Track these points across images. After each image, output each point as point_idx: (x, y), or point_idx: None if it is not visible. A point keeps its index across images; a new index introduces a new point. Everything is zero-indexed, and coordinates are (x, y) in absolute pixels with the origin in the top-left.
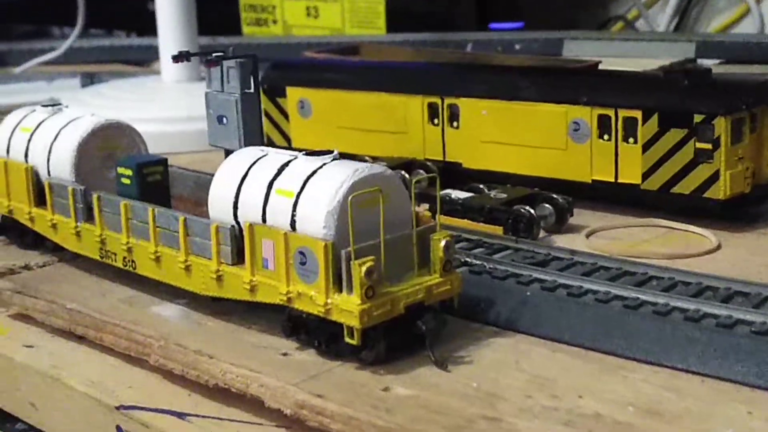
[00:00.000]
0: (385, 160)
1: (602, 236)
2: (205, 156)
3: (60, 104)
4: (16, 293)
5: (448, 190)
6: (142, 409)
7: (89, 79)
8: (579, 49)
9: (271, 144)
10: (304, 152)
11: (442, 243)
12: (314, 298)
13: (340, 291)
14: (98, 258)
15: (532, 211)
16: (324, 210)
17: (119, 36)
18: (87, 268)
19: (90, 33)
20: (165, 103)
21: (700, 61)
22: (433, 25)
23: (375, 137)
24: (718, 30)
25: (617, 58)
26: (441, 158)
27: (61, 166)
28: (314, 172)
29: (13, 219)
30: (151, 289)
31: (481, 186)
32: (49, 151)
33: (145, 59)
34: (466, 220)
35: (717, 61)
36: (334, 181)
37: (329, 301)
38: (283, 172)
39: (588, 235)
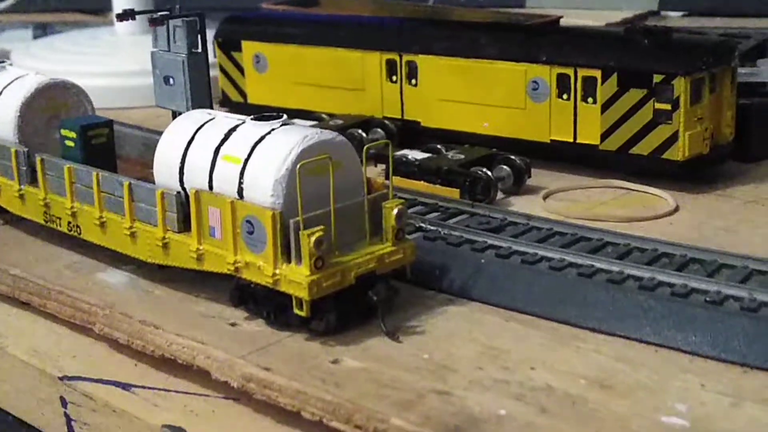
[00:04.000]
0: (342, 117)
1: (559, 198)
2: (160, 111)
3: (4, 61)
4: None
5: (404, 151)
6: (86, 379)
7: (42, 30)
8: (543, 0)
9: (226, 100)
10: (252, 117)
11: (395, 211)
12: (262, 268)
13: (289, 261)
14: (42, 222)
15: (490, 173)
16: (272, 178)
17: None
18: (32, 231)
19: None
20: (119, 57)
21: (663, 12)
22: None
23: (332, 94)
24: None
25: (580, 10)
26: (399, 116)
27: (3, 127)
28: (262, 138)
29: None
30: (97, 254)
31: (439, 146)
32: None
33: (101, 8)
34: (422, 182)
35: (680, 13)
36: (282, 148)
37: (277, 271)
38: (231, 138)
39: (545, 197)
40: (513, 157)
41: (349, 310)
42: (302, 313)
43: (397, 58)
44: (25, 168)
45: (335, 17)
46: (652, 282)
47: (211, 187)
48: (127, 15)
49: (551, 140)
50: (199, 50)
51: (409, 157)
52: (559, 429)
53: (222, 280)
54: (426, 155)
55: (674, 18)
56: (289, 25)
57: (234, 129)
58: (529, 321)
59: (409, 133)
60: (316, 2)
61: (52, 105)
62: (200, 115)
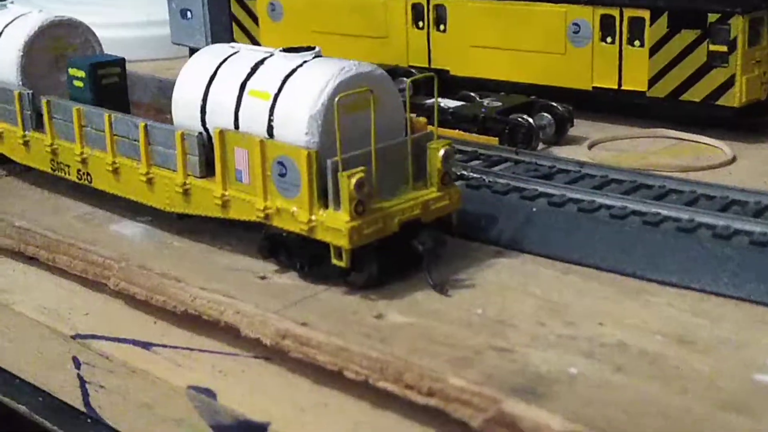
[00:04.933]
0: None
1: (606, 148)
2: (165, 64)
3: (5, 0)
4: None
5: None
6: (101, 338)
7: None
8: None
9: None
10: (281, 49)
11: (441, 152)
12: (296, 214)
13: (326, 206)
14: (50, 170)
15: (531, 120)
16: (306, 113)
17: None
18: (38, 182)
19: None
20: (122, 7)
21: None
22: None
23: (353, 42)
24: None
25: None
26: (426, 65)
27: (5, 68)
28: (293, 71)
29: None
30: (110, 205)
31: (472, 94)
32: None
33: None
34: (457, 131)
35: None
36: (318, 80)
37: (313, 218)
38: (258, 72)
39: (590, 146)
40: (554, 104)
41: (391, 261)
42: (341, 264)
43: (424, 3)
44: (29, 112)
45: None
46: (728, 230)
47: (236, 127)
48: None
49: (593, 87)
50: None
51: (443, 104)
52: (638, 388)
53: (247, 230)
54: (459, 103)
55: None
56: None
57: (261, 62)
58: (589, 273)
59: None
60: None
61: (57, 45)
62: (222, 48)
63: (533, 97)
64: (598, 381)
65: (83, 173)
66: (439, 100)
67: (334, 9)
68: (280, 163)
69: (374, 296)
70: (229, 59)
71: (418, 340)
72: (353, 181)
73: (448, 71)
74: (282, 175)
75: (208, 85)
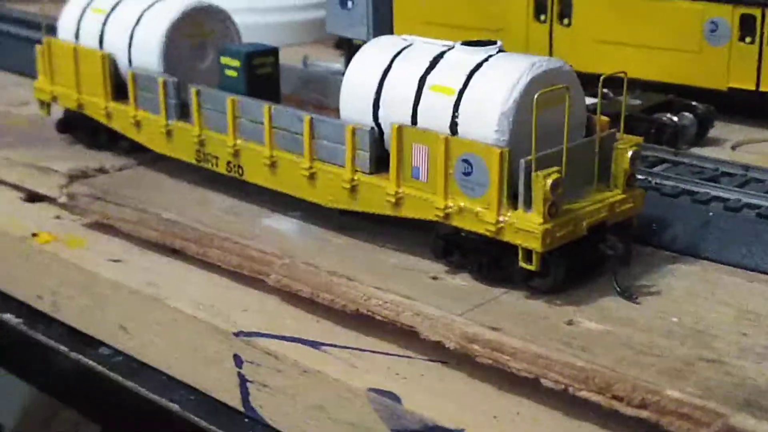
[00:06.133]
0: None
1: (749, 150)
2: (298, 50)
3: None
4: (96, 199)
5: None
6: (266, 335)
7: None
8: None
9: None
10: (461, 42)
11: (629, 153)
12: (481, 214)
13: (515, 207)
14: (194, 161)
15: (676, 119)
16: (497, 110)
17: None
18: (174, 173)
19: None
20: None
21: None
22: None
23: (467, 35)
24: None
25: None
26: None
27: (146, 54)
28: (479, 65)
29: (80, 114)
30: (256, 198)
31: (605, 90)
32: (131, 37)
33: None
34: None
35: None
36: (509, 76)
37: (501, 218)
38: (438, 66)
39: (733, 148)
40: (695, 103)
41: (577, 265)
42: (531, 267)
43: None
44: (174, 101)
45: None
46: None
47: (414, 122)
48: None
49: (729, 88)
50: None
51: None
52: None
53: (409, 228)
54: (595, 100)
55: None
56: None
57: (441, 56)
58: None
59: None
60: None
61: (197, 32)
62: (393, 40)
63: (671, 95)
64: None
65: (234, 165)
66: None
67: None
68: (466, 161)
69: (559, 301)
70: (403, 52)
71: (621, 349)
72: (549, 181)
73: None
74: (467, 174)
75: (382, 79)
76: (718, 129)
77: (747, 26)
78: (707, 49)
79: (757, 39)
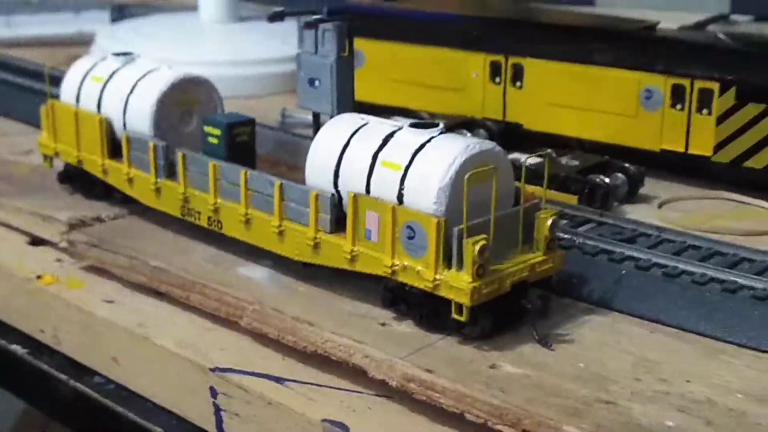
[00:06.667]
0: (444, 117)
1: (674, 208)
2: (246, 103)
3: (132, 53)
4: (92, 246)
5: (516, 154)
6: (237, 371)
7: (119, 13)
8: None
9: None
10: (409, 123)
11: (549, 222)
12: (421, 272)
13: (450, 267)
14: (179, 215)
15: (608, 180)
16: (436, 186)
17: None
18: (161, 223)
19: None
20: (207, 46)
21: (734, 16)
22: None
23: (431, 92)
24: None
25: (650, 10)
26: (500, 117)
27: (138, 120)
28: (422, 145)
29: (79, 168)
30: (233, 248)
31: (548, 150)
32: (126, 104)
33: None
34: (537, 188)
35: (751, 17)
36: (446, 156)
37: (438, 276)
38: (389, 144)
39: (660, 206)
40: (628, 165)
41: (502, 316)
42: (461, 318)
43: (503, 60)
44: (162, 162)
45: (437, 15)
46: None
47: (368, 191)
48: (277, 16)
49: (661, 149)
50: (347, 54)
51: (521, 160)
52: None
53: (363, 279)
54: (539, 160)
55: (744, 22)
56: (389, 21)
57: (391, 135)
58: (674, 333)
59: (510, 135)
60: None
61: (184, 99)
62: (353, 119)
63: (606, 157)
64: None
65: (214, 220)
66: (517, 155)
67: (415, 60)
68: (410, 227)
69: (486, 347)
70: (360, 130)
71: (533, 390)
72: (477, 247)
73: (521, 125)
74: (410, 238)
75: (342, 153)
76: (649, 187)
77: (677, 95)
78: (643, 114)
79: (687, 106)
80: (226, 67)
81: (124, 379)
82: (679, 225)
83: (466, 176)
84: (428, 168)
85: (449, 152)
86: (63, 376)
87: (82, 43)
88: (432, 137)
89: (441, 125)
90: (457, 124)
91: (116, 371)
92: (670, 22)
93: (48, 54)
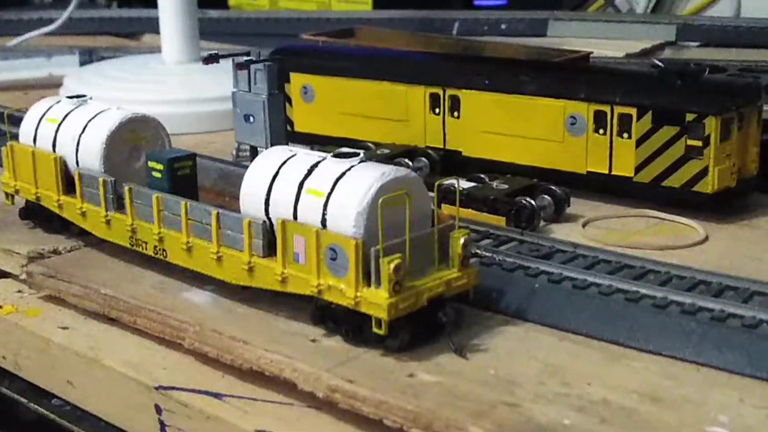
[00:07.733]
0: (388, 146)
1: (597, 226)
2: (206, 138)
3: (85, 96)
4: (49, 277)
5: (451, 180)
6: (179, 389)
7: (88, 56)
8: (564, 29)
9: None
10: (332, 154)
11: (461, 240)
12: (344, 291)
13: (369, 285)
14: (128, 245)
15: (533, 202)
16: (354, 210)
17: (106, 7)
18: (113, 253)
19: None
20: (168, 86)
21: (680, 43)
22: (419, 3)
23: (376, 124)
24: (693, 11)
25: (599, 40)
26: (441, 146)
27: (89, 157)
28: (343, 174)
29: (38, 205)
30: (179, 275)
31: (482, 176)
32: (78, 143)
33: (134, 31)
34: (469, 210)
35: (696, 43)
36: (363, 183)
37: (358, 294)
38: (313, 173)
39: (584, 225)
40: (554, 187)
41: (420, 329)
42: (380, 332)
43: (441, 92)
44: (111, 196)
45: (380, 52)
46: (693, 307)
47: (295, 217)
48: (212, 59)
49: (587, 172)
50: (277, 92)
51: (455, 185)
52: None
53: (298, 299)
54: (472, 184)
55: (691, 49)
56: (337, 58)
57: (316, 165)
58: (582, 341)
59: (450, 161)
60: (352, 33)
61: (132, 137)
62: (282, 151)
63: (535, 180)
64: (586, 430)
65: (159, 249)
66: (453, 181)
67: (360, 94)
68: (332, 249)
69: (406, 358)
70: (288, 161)
71: (445, 396)
72: (392, 266)
73: (460, 152)
74: (333, 259)
75: (272, 183)
76: (576, 207)
77: (599, 120)
78: (569, 139)
79: (608, 131)
80: (186, 105)
81: (78, 399)
82: (601, 242)
83: (380, 200)
84: (347, 194)
85: (366, 180)
86: (23, 400)
87: (52, 85)
88: (352, 166)
89: (361, 154)
90: (400, 153)
91: (71, 393)
92: (616, 50)
93: (20, 97)
